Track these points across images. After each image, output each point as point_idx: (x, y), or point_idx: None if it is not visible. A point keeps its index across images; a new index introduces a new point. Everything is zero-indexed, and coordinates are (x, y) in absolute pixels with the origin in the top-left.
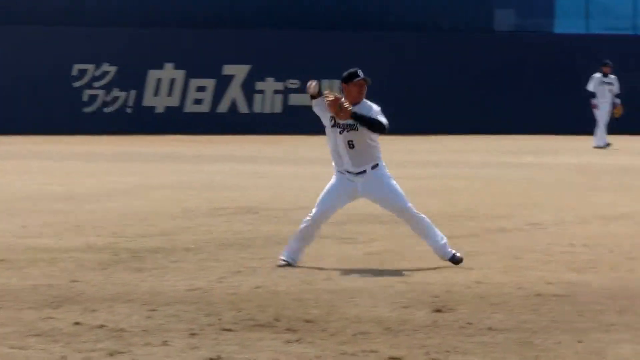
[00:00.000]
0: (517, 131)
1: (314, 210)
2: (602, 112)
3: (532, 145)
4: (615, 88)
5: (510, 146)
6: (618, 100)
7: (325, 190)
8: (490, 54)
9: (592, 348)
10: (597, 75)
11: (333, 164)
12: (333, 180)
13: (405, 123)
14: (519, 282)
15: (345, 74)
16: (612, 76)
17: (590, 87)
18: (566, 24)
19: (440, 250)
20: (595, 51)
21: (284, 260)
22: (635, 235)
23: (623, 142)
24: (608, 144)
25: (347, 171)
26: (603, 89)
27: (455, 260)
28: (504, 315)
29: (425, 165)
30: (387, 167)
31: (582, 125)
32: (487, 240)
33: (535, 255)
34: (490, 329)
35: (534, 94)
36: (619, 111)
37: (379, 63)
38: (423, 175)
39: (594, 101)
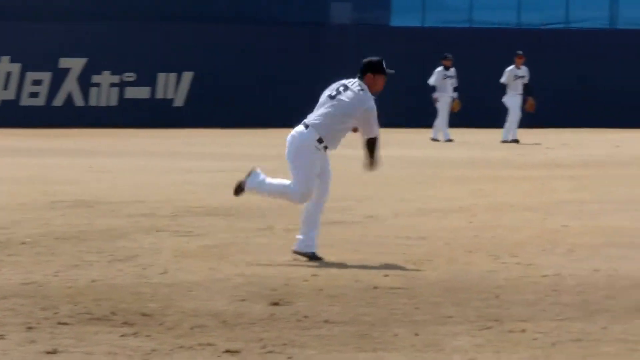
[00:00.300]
0: None
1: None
2: (444, 105)
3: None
4: (455, 81)
5: (346, 139)
6: (456, 94)
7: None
8: (326, 47)
9: (429, 340)
10: (439, 69)
11: (327, 144)
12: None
13: (232, 116)
14: (356, 275)
15: (372, 62)
16: (453, 69)
17: (432, 80)
18: (403, 17)
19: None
20: (431, 44)
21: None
22: (471, 228)
23: (463, 136)
24: (450, 140)
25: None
26: (445, 83)
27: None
28: (341, 308)
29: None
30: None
31: (423, 118)
32: (324, 233)
33: (372, 248)
34: (327, 321)
35: None
36: (458, 105)
37: (213, 55)
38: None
39: (435, 94)
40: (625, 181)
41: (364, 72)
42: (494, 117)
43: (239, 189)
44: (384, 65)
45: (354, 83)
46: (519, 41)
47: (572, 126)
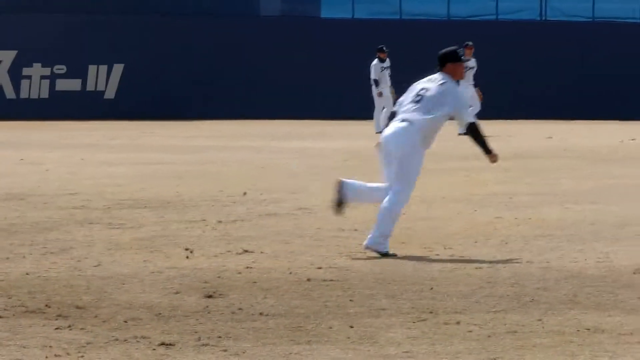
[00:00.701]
0: (291, 116)
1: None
2: (387, 96)
3: (305, 130)
4: (389, 71)
5: (281, 131)
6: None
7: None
8: (256, 39)
9: (364, 332)
10: (375, 62)
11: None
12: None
13: (160, 108)
14: (290, 267)
15: (449, 52)
16: (387, 60)
17: (373, 74)
18: (333, 9)
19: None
20: (361, 36)
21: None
22: (403, 220)
23: None
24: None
25: None
26: (384, 75)
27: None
28: (275, 300)
29: (183, 150)
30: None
31: (357, 109)
32: (257, 225)
33: (305, 240)
34: (261, 314)
35: (304, 78)
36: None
37: (144, 47)
38: (180, 160)
39: (379, 89)
40: (557, 173)
41: (443, 63)
42: None
43: (339, 205)
44: (459, 53)
45: (436, 78)
46: (448, 33)
47: (502, 118)
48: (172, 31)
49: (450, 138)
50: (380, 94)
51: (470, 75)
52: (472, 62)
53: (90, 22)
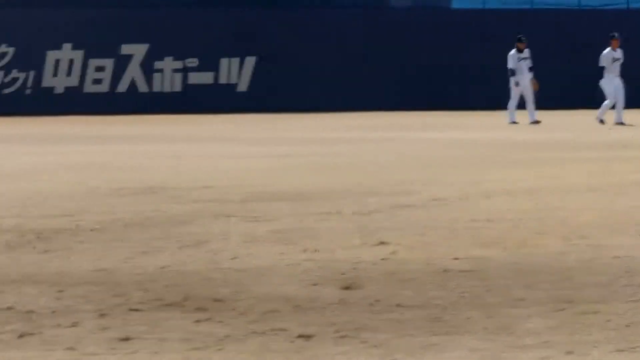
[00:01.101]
0: (423, 107)
1: None
2: (524, 87)
3: (438, 121)
4: (530, 62)
5: (415, 122)
6: (531, 74)
7: None
8: (385, 31)
9: (501, 323)
10: (513, 52)
11: None
12: None
13: (293, 101)
14: (426, 258)
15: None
16: (527, 50)
17: (510, 64)
18: (463, 0)
19: None
20: (492, 27)
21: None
22: (539, 210)
23: (548, 118)
24: (537, 121)
25: None
26: (521, 65)
27: None
28: (412, 291)
29: (322, 142)
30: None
31: (490, 101)
32: (392, 216)
33: (440, 231)
34: (399, 305)
35: (434, 70)
36: (536, 86)
37: (276, 39)
38: (314, 152)
39: (516, 79)
40: None
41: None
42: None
43: None
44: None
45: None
46: (579, 22)
47: None
48: (303, 22)
49: (587, 127)
50: (516, 84)
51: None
52: (618, 54)
53: (221, 16)
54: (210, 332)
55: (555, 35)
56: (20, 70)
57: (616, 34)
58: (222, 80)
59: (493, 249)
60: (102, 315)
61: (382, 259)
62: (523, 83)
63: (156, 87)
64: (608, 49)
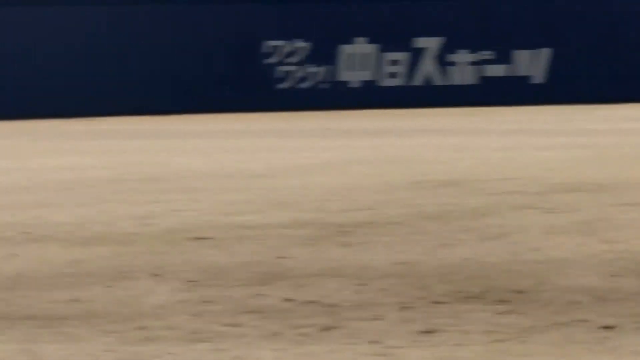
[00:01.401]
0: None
1: None
2: None
3: None
4: None
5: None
6: None
7: None
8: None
9: None
10: None
11: None
12: None
13: (587, 92)
14: None
15: None
16: None
17: None
18: None
19: None
20: None
21: None
22: None
23: None
24: None
25: None
26: None
27: None
28: None
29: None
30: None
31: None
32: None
33: None
34: None
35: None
36: None
37: (572, 30)
38: (608, 143)
39: None
40: None
41: None
42: None
43: None
44: None
45: None
46: None
47: None
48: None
49: None
50: None
51: None
52: None
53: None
54: (512, 323)
55: None
56: (315, 65)
57: None
58: (517, 72)
59: None
60: (404, 308)
61: None
62: None
63: (451, 80)
64: None
